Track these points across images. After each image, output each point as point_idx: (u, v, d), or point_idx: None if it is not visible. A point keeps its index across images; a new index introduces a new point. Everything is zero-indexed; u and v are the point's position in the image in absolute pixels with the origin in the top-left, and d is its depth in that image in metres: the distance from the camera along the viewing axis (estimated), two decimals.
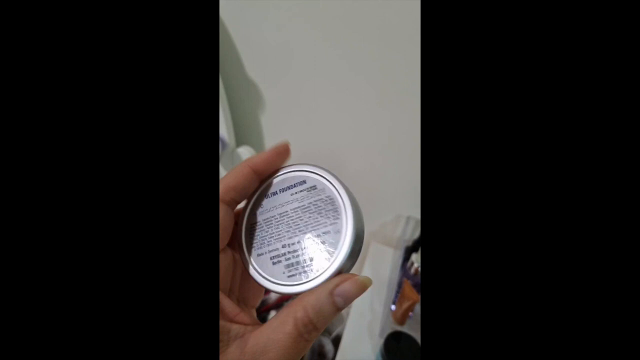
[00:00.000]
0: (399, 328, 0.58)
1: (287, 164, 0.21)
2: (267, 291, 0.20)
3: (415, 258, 0.60)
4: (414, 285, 0.58)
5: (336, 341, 1.06)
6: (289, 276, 0.18)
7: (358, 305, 0.66)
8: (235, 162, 0.73)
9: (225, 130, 0.68)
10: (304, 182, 0.20)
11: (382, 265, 0.71)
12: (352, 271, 0.19)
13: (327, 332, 1.11)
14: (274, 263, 0.19)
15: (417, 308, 0.58)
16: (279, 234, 0.19)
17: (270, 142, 0.75)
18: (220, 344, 0.16)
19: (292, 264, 0.19)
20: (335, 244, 0.18)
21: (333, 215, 0.18)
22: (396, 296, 0.61)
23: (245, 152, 0.72)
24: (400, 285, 0.61)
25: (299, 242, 0.19)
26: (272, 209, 0.20)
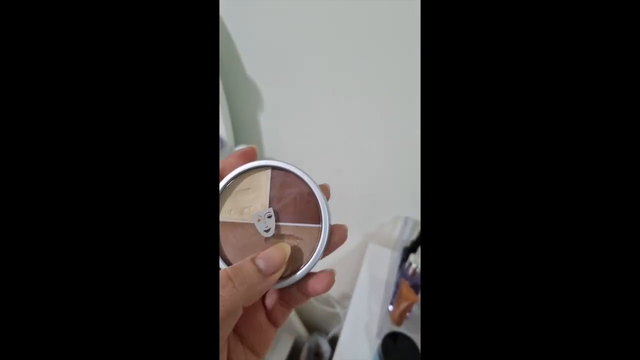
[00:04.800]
0: (396, 328, 0.58)
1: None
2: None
3: (413, 259, 0.60)
4: (412, 286, 0.58)
5: (333, 341, 1.06)
6: None
7: (355, 306, 0.66)
8: None
9: (224, 129, 0.68)
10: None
11: (380, 266, 0.71)
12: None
13: (324, 332, 1.11)
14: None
15: (415, 309, 0.59)
16: None
17: (269, 141, 0.75)
18: None
19: None
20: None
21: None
22: (394, 297, 0.62)
23: None
24: (397, 286, 0.61)
25: None
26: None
